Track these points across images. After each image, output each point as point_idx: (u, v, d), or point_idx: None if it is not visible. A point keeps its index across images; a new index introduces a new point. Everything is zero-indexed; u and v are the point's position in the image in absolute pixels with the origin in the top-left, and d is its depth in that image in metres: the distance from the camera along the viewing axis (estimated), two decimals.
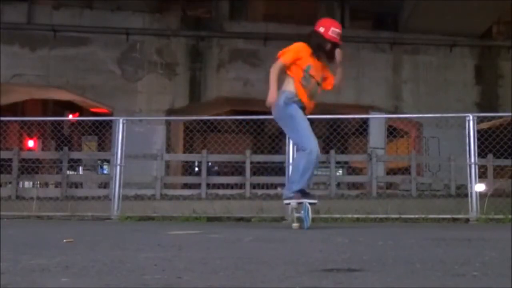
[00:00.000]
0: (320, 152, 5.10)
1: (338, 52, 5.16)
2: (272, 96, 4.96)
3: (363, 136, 15.55)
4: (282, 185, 9.05)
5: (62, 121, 19.75)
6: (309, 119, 5.17)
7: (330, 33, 5.10)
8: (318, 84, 5.19)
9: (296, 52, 5.10)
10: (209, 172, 12.01)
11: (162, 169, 11.80)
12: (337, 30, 5.14)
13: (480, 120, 8.09)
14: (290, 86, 5.09)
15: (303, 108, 5.09)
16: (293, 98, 5.03)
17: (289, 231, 4.72)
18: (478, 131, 7.49)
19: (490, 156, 10.66)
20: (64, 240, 3.41)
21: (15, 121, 15.81)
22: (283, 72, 5.13)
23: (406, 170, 13.41)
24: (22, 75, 14.28)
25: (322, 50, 5.14)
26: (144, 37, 14.74)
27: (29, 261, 2.30)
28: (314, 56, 5.11)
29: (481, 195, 7.39)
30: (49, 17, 14.51)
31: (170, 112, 14.49)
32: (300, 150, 5.05)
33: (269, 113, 5.54)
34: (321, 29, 5.13)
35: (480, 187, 14.20)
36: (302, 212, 4.89)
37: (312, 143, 4.96)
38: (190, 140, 20.26)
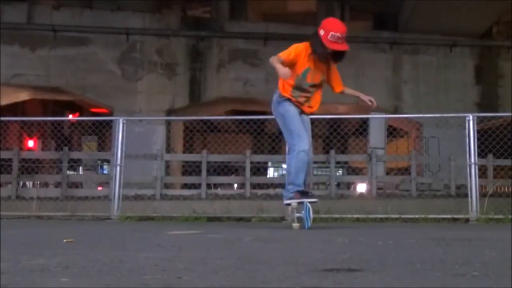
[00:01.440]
0: (312, 152, 5.05)
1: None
2: (283, 70, 4.56)
3: (363, 136, 15.55)
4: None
5: (62, 121, 19.76)
6: (310, 119, 5.14)
7: (329, 37, 4.69)
8: (315, 86, 5.04)
9: (295, 55, 4.80)
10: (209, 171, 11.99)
11: (162, 169, 11.80)
12: (337, 35, 4.69)
13: (480, 121, 8.08)
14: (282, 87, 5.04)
15: (298, 107, 5.02)
16: (285, 97, 5.02)
17: (289, 231, 4.71)
18: (478, 131, 7.48)
19: (490, 156, 10.66)
20: (64, 240, 3.40)
21: (15, 121, 15.81)
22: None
23: (406, 170, 13.41)
24: (22, 75, 14.29)
25: (320, 54, 4.84)
26: (144, 37, 14.74)
27: (29, 261, 2.30)
28: (313, 58, 4.88)
29: (481, 195, 7.36)
30: (49, 17, 14.51)
31: (170, 112, 14.49)
32: (290, 150, 4.99)
33: (269, 113, 5.53)
34: (321, 32, 4.77)
35: (361, 187, 14.10)
36: (303, 212, 4.88)
37: (302, 143, 4.87)
38: (190, 140, 20.26)
